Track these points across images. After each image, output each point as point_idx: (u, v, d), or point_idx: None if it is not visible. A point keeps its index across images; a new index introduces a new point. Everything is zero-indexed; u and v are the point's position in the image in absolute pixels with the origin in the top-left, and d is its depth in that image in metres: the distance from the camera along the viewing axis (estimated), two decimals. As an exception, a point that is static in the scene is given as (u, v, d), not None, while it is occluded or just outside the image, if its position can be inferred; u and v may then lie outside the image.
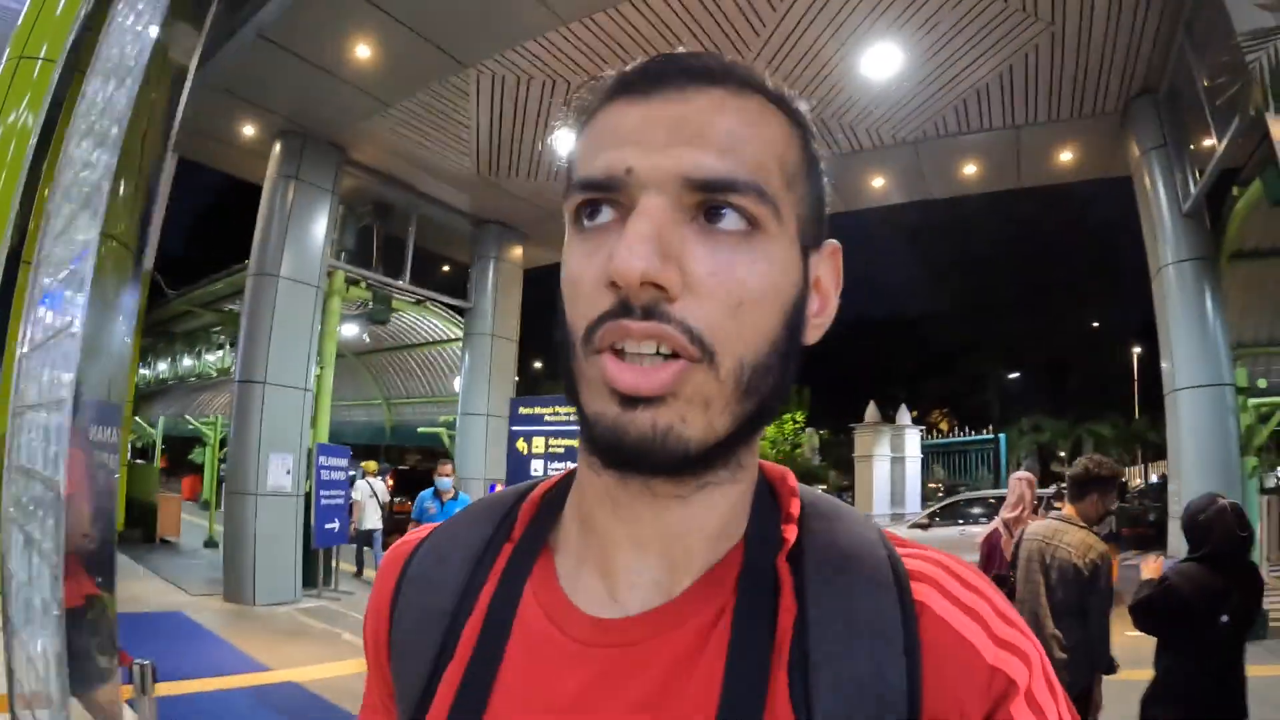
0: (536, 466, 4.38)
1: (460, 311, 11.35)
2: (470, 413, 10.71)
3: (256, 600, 7.24)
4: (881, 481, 17.02)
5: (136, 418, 17.85)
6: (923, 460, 18.12)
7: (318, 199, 8.35)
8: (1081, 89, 7.33)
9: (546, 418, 4.45)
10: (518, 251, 11.45)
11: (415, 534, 0.53)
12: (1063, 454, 24.70)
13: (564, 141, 0.47)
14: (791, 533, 0.43)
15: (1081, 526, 2.71)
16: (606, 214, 0.40)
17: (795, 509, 0.45)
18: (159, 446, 18.80)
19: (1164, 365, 7.22)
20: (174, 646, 5.59)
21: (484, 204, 10.32)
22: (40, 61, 5.95)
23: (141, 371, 19.67)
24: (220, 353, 17.47)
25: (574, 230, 0.42)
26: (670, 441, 0.37)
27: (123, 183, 2.25)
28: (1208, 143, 6.65)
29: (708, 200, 0.38)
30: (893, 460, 17.25)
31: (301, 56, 6.91)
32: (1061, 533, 2.70)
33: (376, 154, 9.00)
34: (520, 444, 4.50)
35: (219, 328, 16.37)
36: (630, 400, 0.37)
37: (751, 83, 0.42)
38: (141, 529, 11.44)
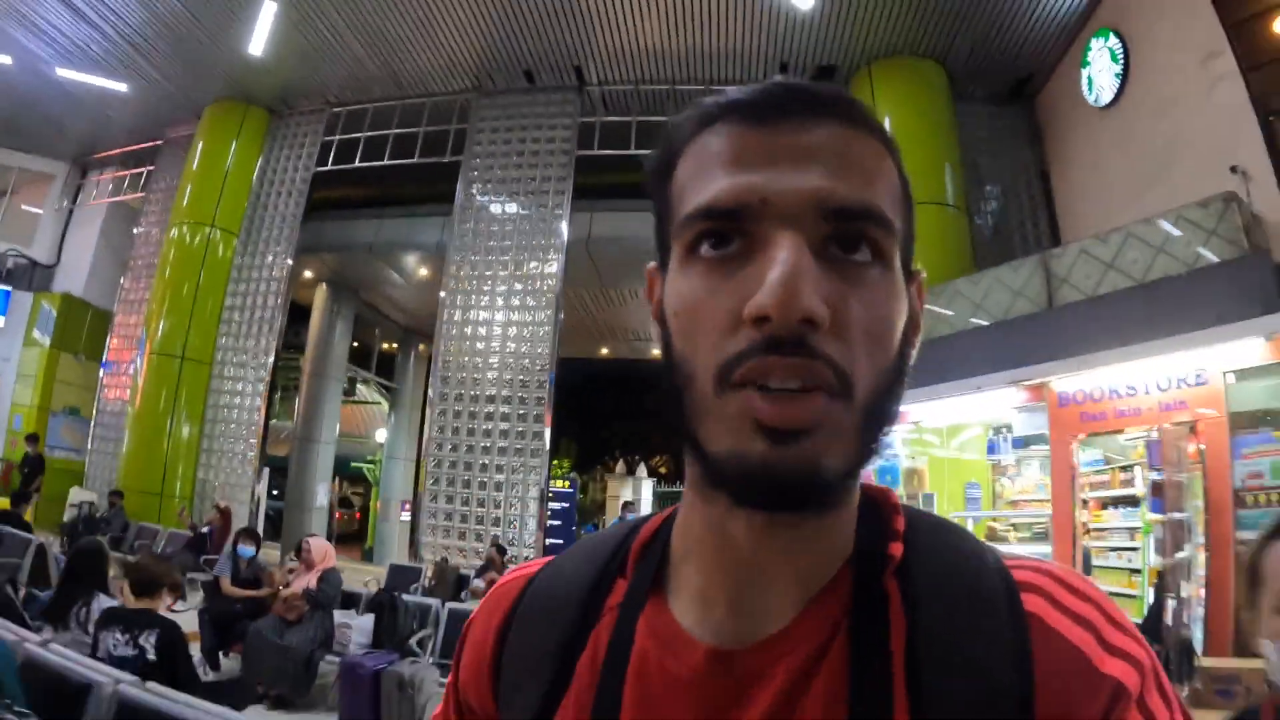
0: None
1: (387, 388, 16.67)
2: (393, 456, 16.07)
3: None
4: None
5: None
6: (654, 500, 25.98)
7: (345, 325, 13.53)
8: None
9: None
10: (423, 347, 17.17)
11: (522, 570, 0.54)
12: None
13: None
14: (897, 549, 0.43)
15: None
16: (731, 243, 0.39)
17: (900, 525, 0.45)
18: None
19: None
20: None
21: (412, 321, 15.98)
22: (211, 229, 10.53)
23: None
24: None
25: (686, 258, 0.41)
26: (818, 475, 0.37)
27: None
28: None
29: (842, 230, 0.38)
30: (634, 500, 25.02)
31: (344, 249, 12.45)
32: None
33: (375, 296, 14.31)
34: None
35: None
36: (780, 435, 0.36)
37: (859, 115, 0.41)
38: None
